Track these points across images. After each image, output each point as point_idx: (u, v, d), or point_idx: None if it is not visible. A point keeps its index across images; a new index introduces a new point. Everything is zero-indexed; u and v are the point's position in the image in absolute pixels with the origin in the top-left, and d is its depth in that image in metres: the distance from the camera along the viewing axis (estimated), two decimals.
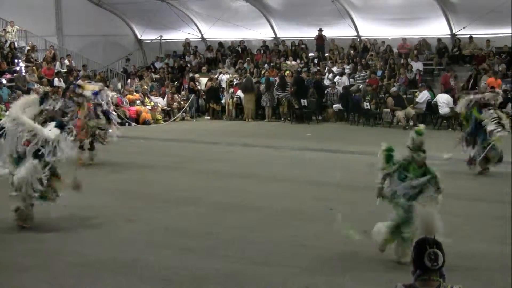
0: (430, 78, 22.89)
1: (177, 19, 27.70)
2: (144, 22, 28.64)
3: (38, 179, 8.33)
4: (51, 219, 8.96)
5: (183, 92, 24.75)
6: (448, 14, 23.44)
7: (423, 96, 20.39)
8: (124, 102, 22.60)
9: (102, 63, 27.23)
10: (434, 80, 22.78)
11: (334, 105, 22.05)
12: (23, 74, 22.18)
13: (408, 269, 3.63)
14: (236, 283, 6.55)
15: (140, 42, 30.29)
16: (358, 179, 11.88)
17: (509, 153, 12.33)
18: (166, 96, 24.04)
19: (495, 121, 11.95)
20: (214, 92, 23.92)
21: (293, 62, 24.96)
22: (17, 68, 22.67)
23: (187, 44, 28.55)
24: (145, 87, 24.27)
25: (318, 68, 24.40)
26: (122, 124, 21.28)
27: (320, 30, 25.42)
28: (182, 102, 24.01)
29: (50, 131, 8.59)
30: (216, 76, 24.92)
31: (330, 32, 25.57)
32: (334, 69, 23.83)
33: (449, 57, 23.41)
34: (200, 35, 28.89)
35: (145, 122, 22.20)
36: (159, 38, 29.41)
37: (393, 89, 20.89)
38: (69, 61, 25.05)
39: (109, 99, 14.22)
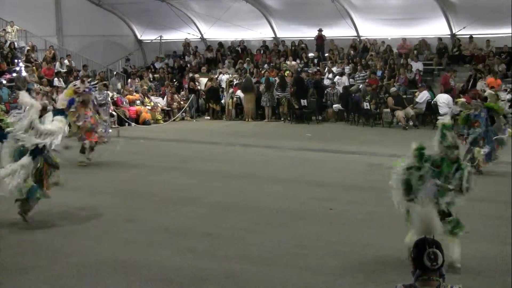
0: (430, 78, 22.90)
1: (177, 19, 27.70)
2: (144, 22, 28.65)
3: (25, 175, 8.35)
4: (51, 219, 8.97)
5: (183, 92, 24.75)
6: (448, 14, 23.44)
7: (423, 96, 20.40)
8: (124, 102, 22.60)
9: (102, 63, 27.23)
10: (434, 80, 22.80)
11: (334, 105, 22.05)
12: (23, 74, 22.18)
13: (408, 269, 3.64)
14: (236, 283, 6.55)
15: (140, 42, 30.30)
16: (358, 179, 11.91)
17: (509, 153, 12.35)
18: (166, 96, 24.05)
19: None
20: (214, 92, 23.91)
21: (293, 62, 24.97)
22: (17, 68, 22.65)
23: (187, 44, 28.55)
24: (145, 87, 24.29)
25: (318, 68, 24.40)
26: (121, 124, 21.40)
27: (320, 30, 25.43)
28: (182, 102, 24.01)
29: (53, 122, 8.63)
30: (216, 76, 24.92)
31: (330, 32, 25.58)
32: (334, 69, 23.83)
33: (449, 57, 23.42)
34: (200, 35, 28.90)
35: (145, 122, 22.20)
36: (159, 38, 29.42)
37: (393, 89, 20.89)
38: (69, 61, 25.05)
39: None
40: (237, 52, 27.46)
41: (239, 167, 13.56)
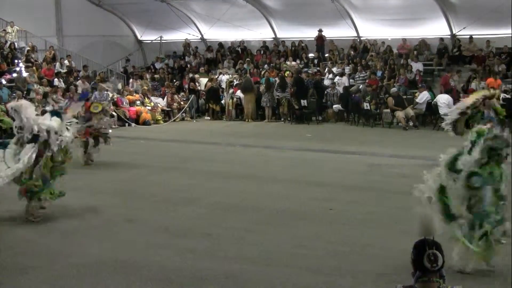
0: (430, 79, 22.91)
1: (177, 19, 27.71)
2: (144, 23, 28.66)
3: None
4: (52, 219, 8.97)
5: (183, 93, 24.76)
6: (448, 15, 23.45)
7: (423, 96, 20.40)
8: (124, 103, 22.61)
9: (102, 63, 27.25)
10: (434, 81, 22.80)
11: (334, 106, 22.06)
12: (23, 74, 22.18)
13: (408, 270, 3.64)
14: (236, 283, 6.55)
15: (140, 42, 30.32)
16: (358, 179, 11.91)
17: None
18: (166, 96, 24.05)
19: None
20: (214, 93, 23.91)
21: (293, 63, 24.98)
22: (17, 69, 22.66)
23: (187, 44, 28.57)
24: (145, 87, 24.29)
25: (318, 68, 24.41)
26: (122, 124, 21.41)
27: (320, 31, 25.44)
28: (182, 103, 24.02)
29: (51, 121, 8.76)
30: (216, 76, 24.92)
31: (330, 32, 25.58)
32: (334, 69, 23.84)
33: (449, 57, 23.42)
34: (200, 36, 28.91)
35: (145, 123, 22.21)
36: (159, 38, 29.43)
37: (393, 89, 20.90)
38: (69, 61, 25.07)
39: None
40: (237, 53, 27.48)
41: (239, 167, 13.56)
